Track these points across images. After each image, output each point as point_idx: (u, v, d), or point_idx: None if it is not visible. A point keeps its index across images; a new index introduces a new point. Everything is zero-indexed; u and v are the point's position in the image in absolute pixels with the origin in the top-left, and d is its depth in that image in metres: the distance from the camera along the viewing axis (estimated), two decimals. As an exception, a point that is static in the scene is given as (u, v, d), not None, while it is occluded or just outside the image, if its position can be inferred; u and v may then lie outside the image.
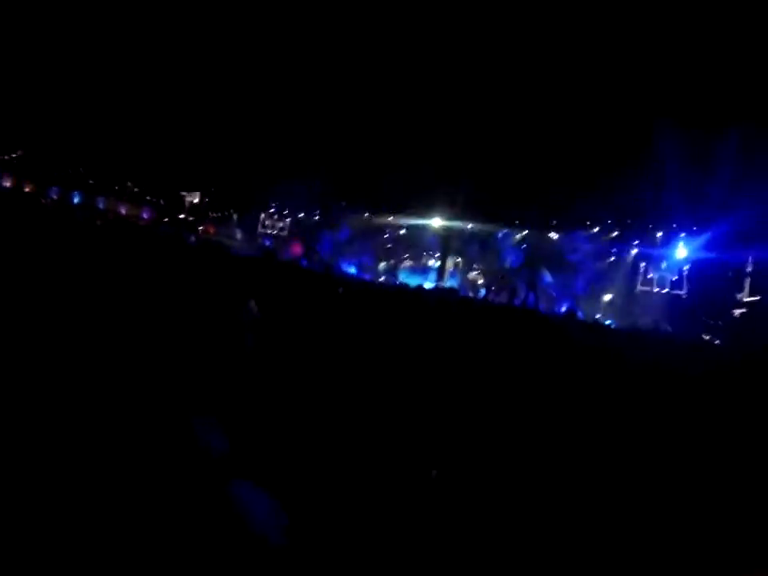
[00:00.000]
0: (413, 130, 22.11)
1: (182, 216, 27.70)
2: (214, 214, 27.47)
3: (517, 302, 23.94)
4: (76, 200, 27.28)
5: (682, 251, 21.66)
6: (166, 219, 28.76)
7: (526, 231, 24.94)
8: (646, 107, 20.81)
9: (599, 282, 25.12)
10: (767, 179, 17.43)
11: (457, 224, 24.51)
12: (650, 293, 23.09)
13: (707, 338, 19.53)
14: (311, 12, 21.39)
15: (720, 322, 20.11)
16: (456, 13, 20.65)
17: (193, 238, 19.01)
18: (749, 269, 18.78)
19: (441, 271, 24.48)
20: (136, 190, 29.62)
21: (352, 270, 24.23)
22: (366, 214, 24.64)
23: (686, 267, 21.68)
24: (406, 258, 24.47)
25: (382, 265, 24.13)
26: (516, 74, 21.90)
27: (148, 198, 29.37)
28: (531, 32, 21.21)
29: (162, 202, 29.04)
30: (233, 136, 24.53)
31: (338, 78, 22.51)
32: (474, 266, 24.34)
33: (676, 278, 22.22)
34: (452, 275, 24.40)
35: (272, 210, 26.13)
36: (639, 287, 23.91)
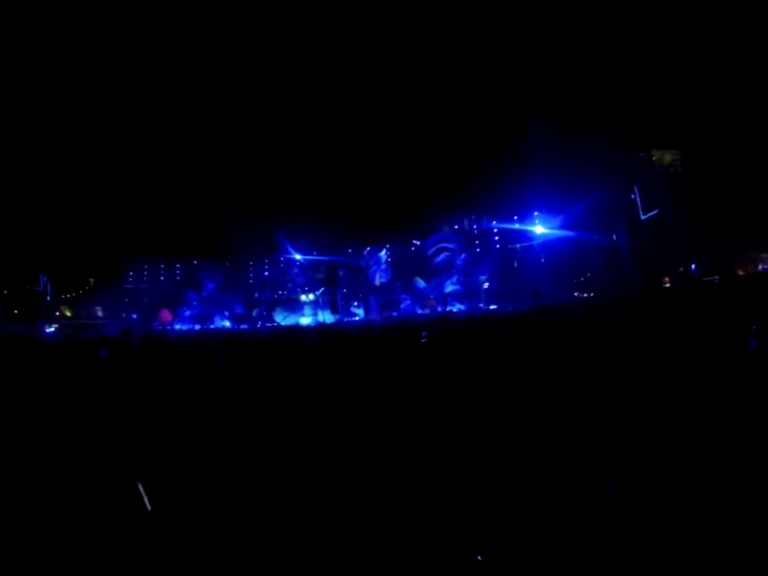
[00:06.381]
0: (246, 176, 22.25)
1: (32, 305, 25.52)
2: (67, 295, 25.57)
3: (396, 311, 25.33)
4: None
5: (540, 230, 24.57)
6: (16, 311, 26.35)
7: (387, 245, 26.17)
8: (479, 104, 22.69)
9: (472, 273, 27.22)
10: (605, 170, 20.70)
11: (321, 254, 25.03)
12: (521, 270, 25.66)
13: (577, 294, 23.08)
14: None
15: (583, 279, 24.01)
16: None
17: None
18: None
19: (332, 303, 24.46)
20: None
21: (226, 323, 24.01)
22: (226, 264, 24.38)
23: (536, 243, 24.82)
24: (277, 299, 24.53)
25: (255, 311, 24.14)
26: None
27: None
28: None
29: (5, 292, 26.50)
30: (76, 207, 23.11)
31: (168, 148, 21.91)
32: (345, 291, 25.10)
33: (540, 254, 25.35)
34: (336, 305, 24.62)
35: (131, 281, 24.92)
36: (511, 265, 26.50)
